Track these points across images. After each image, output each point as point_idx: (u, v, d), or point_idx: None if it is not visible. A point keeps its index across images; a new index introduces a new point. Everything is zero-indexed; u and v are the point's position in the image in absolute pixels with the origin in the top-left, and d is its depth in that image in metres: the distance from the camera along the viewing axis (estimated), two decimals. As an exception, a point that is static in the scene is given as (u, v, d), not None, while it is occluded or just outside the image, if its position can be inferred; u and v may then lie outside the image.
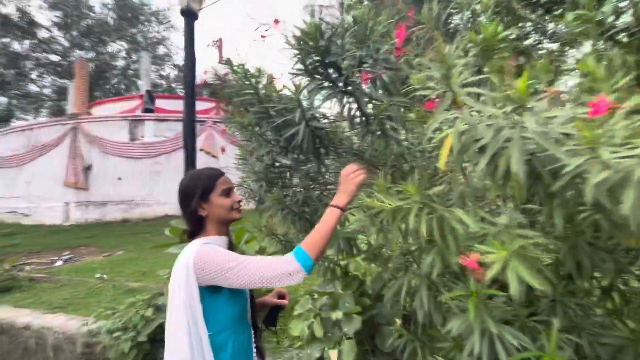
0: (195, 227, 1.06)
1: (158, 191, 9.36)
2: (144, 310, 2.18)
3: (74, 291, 3.50)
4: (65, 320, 2.68)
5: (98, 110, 12.31)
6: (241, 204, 1.12)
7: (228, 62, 1.60)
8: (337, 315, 1.87)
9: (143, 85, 12.76)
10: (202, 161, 3.24)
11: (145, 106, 11.14)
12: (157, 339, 2.12)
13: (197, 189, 1.04)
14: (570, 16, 0.79)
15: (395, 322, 1.77)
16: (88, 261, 5.49)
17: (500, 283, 1.21)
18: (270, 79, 1.40)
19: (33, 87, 22.83)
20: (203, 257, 0.94)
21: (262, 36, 1.18)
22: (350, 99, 1.17)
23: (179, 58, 26.64)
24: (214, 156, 9.65)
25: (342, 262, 2.16)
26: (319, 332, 1.92)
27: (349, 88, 1.12)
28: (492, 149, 0.62)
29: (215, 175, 1.08)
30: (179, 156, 9.87)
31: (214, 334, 0.98)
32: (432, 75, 0.76)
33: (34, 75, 22.69)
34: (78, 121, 9.43)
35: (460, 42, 0.93)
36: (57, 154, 9.42)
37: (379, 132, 1.22)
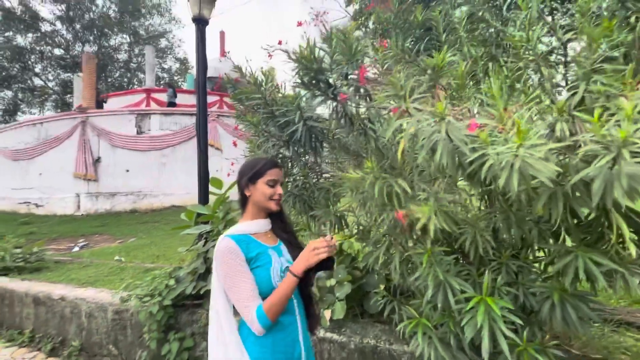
0: (242, 204, 1.21)
1: (164, 182, 9.74)
2: (167, 280, 2.56)
3: (98, 271, 3.89)
4: (95, 292, 3.07)
5: (109, 103, 12.63)
6: (282, 197, 1.19)
7: (239, 70, 1.94)
8: (331, 282, 2.24)
9: (147, 79, 13.05)
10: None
11: (169, 100, 11.51)
12: (178, 304, 2.50)
13: (250, 171, 1.16)
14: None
15: (380, 288, 2.14)
16: (104, 247, 5.89)
17: (456, 249, 1.61)
18: (276, 87, 1.74)
19: (38, 81, 23.12)
20: (220, 259, 1.08)
21: (269, 55, 1.51)
22: (338, 105, 1.51)
23: (181, 51, 26.83)
24: (217, 148, 10.00)
25: (337, 243, 2.51)
26: (316, 297, 2.29)
27: (337, 96, 1.46)
28: (427, 147, 0.96)
29: (268, 164, 1.17)
30: (185, 148, 10.24)
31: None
32: (391, 93, 1.10)
33: (38, 69, 22.95)
34: (86, 115, 9.77)
35: (421, 64, 1.28)
36: (67, 147, 9.79)
37: (361, 130, 1.57)
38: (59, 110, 21.95)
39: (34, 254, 4.35)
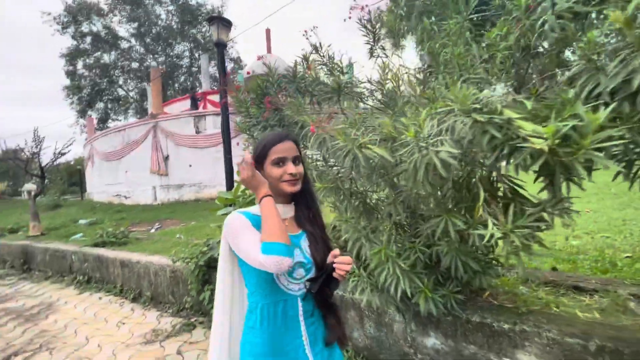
0: None
1: (220, 175, 11.12)
2: (202, 248, 3.44)
3: (163, 245, 5.04)
4: (159, 258, 4.13)
5: (170, 109, 14.62)
6: (297, 176, 1.00)
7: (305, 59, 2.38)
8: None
9: (203, 83, 14.69)
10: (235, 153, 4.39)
11: (191, 108, 13.07)
12: (210, 265, 3.36)
13: (255, 154, 1.02)
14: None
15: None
16: (172, 228, 7.28)
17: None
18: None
19: (121, 92, 27.10)
20: (227, 225, 0.97)
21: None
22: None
23: (234, 51, 28.85)
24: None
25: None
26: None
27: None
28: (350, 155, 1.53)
29: (270, 141, 1.00)
30: (234, 144, 11.53)
31: (249, 294, 1.02)
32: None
33: (120, 81, 26.86)
34: (157, 120, 11.58)
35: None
36: (144, 148, 11.75)
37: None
38: (138, 116, 25.57)
39: (121, 233, 5.75)
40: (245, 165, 0.95)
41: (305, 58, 2.21)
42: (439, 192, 1.69)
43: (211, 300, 3.27)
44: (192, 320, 3.36)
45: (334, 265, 0.94)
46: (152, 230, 7.49)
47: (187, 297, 3.53)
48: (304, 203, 1.06)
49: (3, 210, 15.09)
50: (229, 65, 29.14)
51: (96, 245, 5.34)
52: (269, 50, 16.63)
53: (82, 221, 9.16)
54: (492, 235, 1.21)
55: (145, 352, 2.83)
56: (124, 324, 3.45)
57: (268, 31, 19.75)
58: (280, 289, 0.97)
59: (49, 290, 4.87)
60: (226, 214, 3.89)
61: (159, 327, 3.30)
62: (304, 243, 1.02)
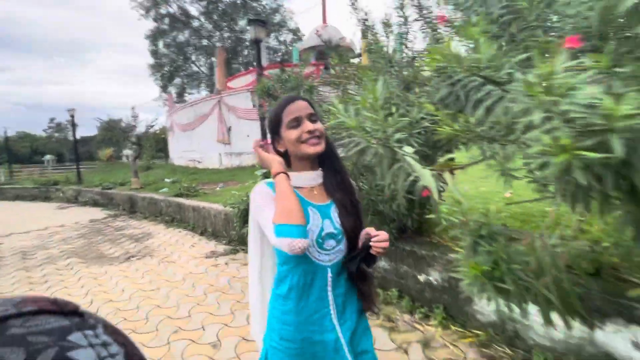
0: (285, 160, 0.99)
1: (273, 144, 12.62)
2: (243, 197, 4.76)
3: (223, 198, 6.58)
4: (217, 206, 5.63)
5: (234, 83, 16.40)
6: (317, 133, 0.93)
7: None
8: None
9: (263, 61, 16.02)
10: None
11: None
12: (248, 209, 4.67)
13: (270, 124, 0.97)
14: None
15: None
16: (232, 187, 8.99)
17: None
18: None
19: (194, 68, 30.14)
20: (251, 198, 0.96)
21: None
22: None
23: (293, 23, 29.57)
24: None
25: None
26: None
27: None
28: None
29: (281, 105, 0.94)
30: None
31: (279, 264, 1.00)
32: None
33: (193, 58, 29.79)
34: (221, 96, 13.35)
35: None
36: (212, 121, 13.74)
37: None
38: (209, 90, 28.45)
39: (193, 188, 7.53)
40: (255, 147, 0.97)
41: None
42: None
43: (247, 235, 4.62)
44: (237, 247, 4.78)
45: (371, 243, 0.89)
46: (217, 188, 9.31)
47: (233, 231, 4.95)
48: (330, 167, 1.00)
49: (112, 170, 19.05)
50: (288, 37, 30.11)
51: (176, 196, 7.18)
52: (324, 20, 17.05)
53: (166, 180, 11.53)
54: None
55: (207, 261, 4.30)
56: (193, 246, 5.04)
57: (324, 1, 19.97)
58: (310, 259, 0.93)
59: (147, 225, 6.85)
60: (264, 174, 5.11)
61: (215, 249, 4.80)
62: (334, 213, 0.97)
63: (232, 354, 2.26)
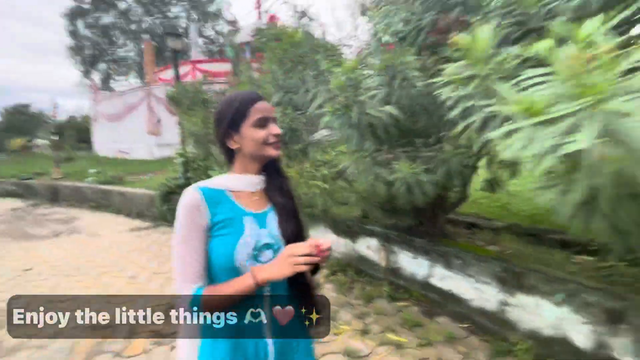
0: (228, 158, 0.90)
1: (204, 136, 13.31)
2: (163, 181, 5.73)
3: (148, 184, 7.39)
4: (143, 190, 6.46)
5: (165, 74, 16.40)
6: (279, 139, 0.89)
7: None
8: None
9: (192, 53, 16.28)
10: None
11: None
12: (168, 192, 5.66)
13: (227, 115, 0.85)
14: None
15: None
16: (159, 177, 9.63)
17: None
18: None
19: (121, 53, 28.33)
20: (177, 210, 0.81)
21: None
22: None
23: (229, 14, 29.47)
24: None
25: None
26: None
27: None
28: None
29: (250, 99, 0.85)
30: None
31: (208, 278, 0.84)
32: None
33: (120, 42, 27.99)
34: (150, 88, 13.52)
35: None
36: (141, 111, 13.82)
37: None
38: (139, 77, 27.10)
39: (119, 177, 8.13)
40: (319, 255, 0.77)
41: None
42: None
43: (168, 212, 5.62)
44: (158, 222, 5.77)
45: (297, 260, 0.76)
46: (145, 177, 9.87)
47: (156, 210, 5.91)
48: (275, 171, 0.92)
49: (26, 161, 17.65)
50: (226, 29, 29.93)
51: (102, 183, 7.74)
52: (259, 17, 17.83)
53: (91, 170, 11.56)
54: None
55: (131, 233, 5.24)
56: (119, 224, 5.88)
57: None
58: (240, 272, 0.80)
59: (72, 211, 7.33)
60: (184, 163, 6.12)
61: (139, 225, 5.72)
62: (272, 221, 0.87)
63: (146, 284, 3.39)
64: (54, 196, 8.73)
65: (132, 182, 7.97)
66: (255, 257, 0.82)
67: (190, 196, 0.80)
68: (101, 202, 7.32)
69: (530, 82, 0.60)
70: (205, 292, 0.77)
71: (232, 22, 29.49)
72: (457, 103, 0.86)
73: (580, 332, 1.81)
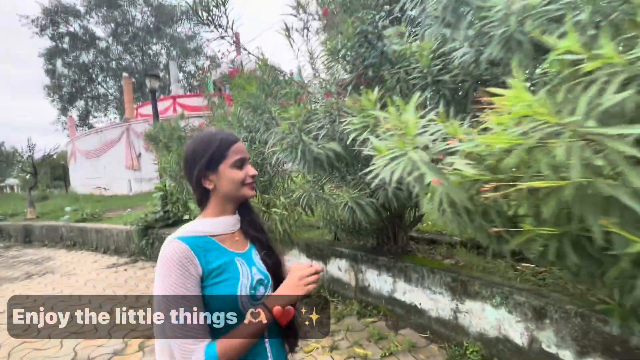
0: (200, 200, 0.88)
1: (184, 169, 13.34)
2: (143, 216, 5.77)
3: (126, 220, 7.37)
4: (120, 226, 6.45)
5: (145, 109, 16.62)
6: (254, 179, 0.89)
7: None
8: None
9: (172, 88, 16.69)
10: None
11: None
12: (146, 227, 5.70)
13: (205, 155, 0.83)
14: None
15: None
16: (139, 212, 9.57)
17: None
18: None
19: (101, 90, 28.50)
20: (158, 266, 0.77)
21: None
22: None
23: (209, 50, 30.47)
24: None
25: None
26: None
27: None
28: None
29: (228, 141, 0.85)
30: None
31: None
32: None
33: (100, 79, 28.22)
34: (129, 123, 13.66)
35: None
36: (120, 147, 13.84)
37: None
38: (119, 112, 27.15)
39: (97, 213, 8.05)
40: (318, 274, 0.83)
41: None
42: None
43: (147, 246, 5.63)
44: (137, 258, 5.75)
45: (308, 280, 0.80)
46: (124, 213, 9.77)
47: (134, 245, 5.90)
48: (246, 208, 0.94)
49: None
50: (206, 63, 30.82)
51: (78, 221, 7.64)
52: (238, 53, 18.56)
53: (67, 208, 11.33)
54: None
55: (108, 270, 5.20)
56: (96, 262, 5.81)
57: (237, 34, 21.62)
58: (244, 314, 0.79)
59: (47, 251, 7.16)
60: (162, 197, 6.20)
61: (117, 262, 5.68)
62: (256, 257, 0.89)
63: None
64: (28, 237, 8.49)
65: (111, 219, 7.92)
66: (252, 296, 0.82)
67: (177, 248, 0.75)
68: (77, 241, 7.21)
69: (385, 135, 0.87)
70: (220, 347, 0.72)
71: (212, 58, 30.57)
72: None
73: (516, 330, 2.03)
